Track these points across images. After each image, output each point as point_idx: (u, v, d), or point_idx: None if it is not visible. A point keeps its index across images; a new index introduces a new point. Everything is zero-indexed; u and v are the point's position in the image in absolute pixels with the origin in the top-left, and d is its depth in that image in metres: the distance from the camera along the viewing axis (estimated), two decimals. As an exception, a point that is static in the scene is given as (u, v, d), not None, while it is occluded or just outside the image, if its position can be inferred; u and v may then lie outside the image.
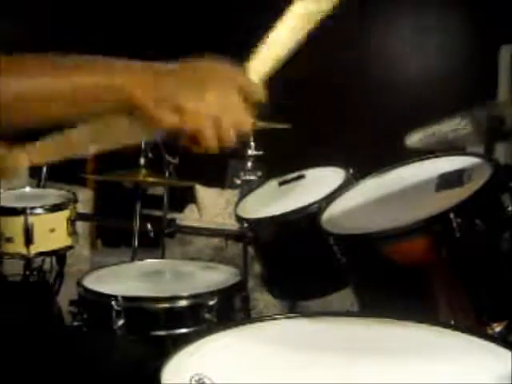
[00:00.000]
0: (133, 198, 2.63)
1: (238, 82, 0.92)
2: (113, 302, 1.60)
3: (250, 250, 2.17)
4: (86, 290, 1.71)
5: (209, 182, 4.19)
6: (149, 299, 1.66)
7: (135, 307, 1.63)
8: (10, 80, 0.83)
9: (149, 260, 2.09)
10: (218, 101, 0.89)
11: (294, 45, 1.01)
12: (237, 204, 2.03)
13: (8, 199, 2.58)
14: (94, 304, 1.69)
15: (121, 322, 1.59)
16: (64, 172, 3.36)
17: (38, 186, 3.00)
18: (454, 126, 1.72)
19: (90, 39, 4.49)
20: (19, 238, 2.46)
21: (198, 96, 0.88)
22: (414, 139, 1.81)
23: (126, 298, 1.62)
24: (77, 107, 0.88)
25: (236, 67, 0.95)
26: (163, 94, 0.87)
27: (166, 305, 1.62)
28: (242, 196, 2.19)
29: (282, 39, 0.99)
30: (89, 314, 1.69)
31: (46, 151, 0.99)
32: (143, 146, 2.59)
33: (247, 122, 0.92)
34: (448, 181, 1.43)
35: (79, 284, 1.75)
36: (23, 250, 2.48)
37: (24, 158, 0.97)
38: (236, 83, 0.92)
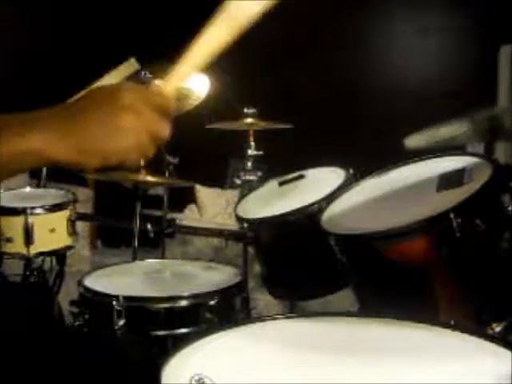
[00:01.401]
0: (133, 198, 2.62)
1: (145, 98, 0.90)
2: (113, 302, 1.60)
3: (250, 250, 2.17)
4: (87, 289, 1.71)
5: (209, 182, 4.19)
6: (149, 299, 1.66)
7: (136, 307, 1.63)
8: None
9: (149, 260, 2.09)
10: (133, 127, 0.88)
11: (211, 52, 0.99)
12: (237, 204, 2.03)
13: (8, 199, 2.58)
14: (95, 304, 1.69)
15: (121, 322, 1.59)
16: (64, 172, 3.36)
17: (38, 185, 3.00)
18: (454, 129, 1.72)
19: (89, 25, 4.50)
20: (19, 238, 2.46)
21: (114, 132, 0.87)
22: (413, 142, 1.81)
23: (126, 298, 1.62)
24: None
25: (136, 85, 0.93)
26: (80, 144, 0.86)
27: (167, 305, 1.62)
28: (242, 196, 2.19)
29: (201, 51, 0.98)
30: (90, 313, 1.69)
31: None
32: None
33: (164, 131, 0.92)
34: (448, 181, 1.43)
35: (80, 284, 1.75)
36: (23, 250, 2.48)
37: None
38: (142, 100, 0.90)
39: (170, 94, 0.94)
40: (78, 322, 1.69)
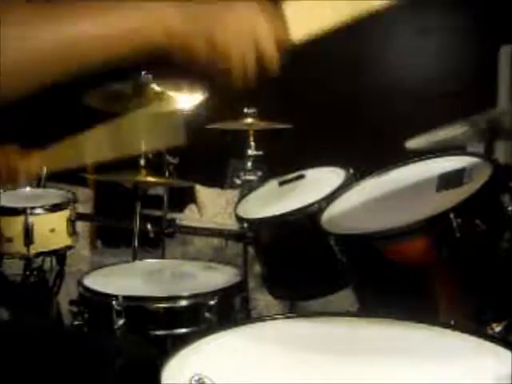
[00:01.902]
0: (133, 198, 2.62)
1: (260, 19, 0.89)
2: (113, 302, 1.60)
3: (250, 249, 2.17)
4: (87, 289, 1.71)
5: (209, 182, 4.20)
6: (149, 299, 1.66)
7: (135, 307, 1.63)
8: (17, 35, 0.72)
9: (149, 260, 2.09)
10: (244, 29, 0.87)
11: (340, 20, 0.96)
12: (237, 204, 2.03)
13: (8, 199, 2.58)
14: (95, 303, 1.69)
15: (121, 322, 1.59)
16: (64, 172, 3.36)
17: (38, 186, 3.00)
18: (454, 130, 1.73)
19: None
20: (19, 238, 2.46)
21: (226, 26, 0.85)
22: (414, 144, 1.81)
23: (126, 298, 1.62)
24: (105, 54, 0.79)
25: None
26: (194, 27, 0.83)
27: (167, 304, 1.63)
28: (242, 196, 2.19)
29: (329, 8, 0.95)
30: (89, 313, 1.69)
31: (56, 157, 0.96)
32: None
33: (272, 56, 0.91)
34: (448, 181, 1.43)
35: (80, 283, 1.75)
36: (23, 250, 2.48)
37: (36, 163, 0.95)
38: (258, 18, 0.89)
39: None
40: (77, 322, 1.69)
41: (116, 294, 1.63)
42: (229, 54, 0.87)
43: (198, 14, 0.84)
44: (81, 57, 0.77)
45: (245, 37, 0.87)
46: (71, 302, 1.72)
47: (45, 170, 2.96)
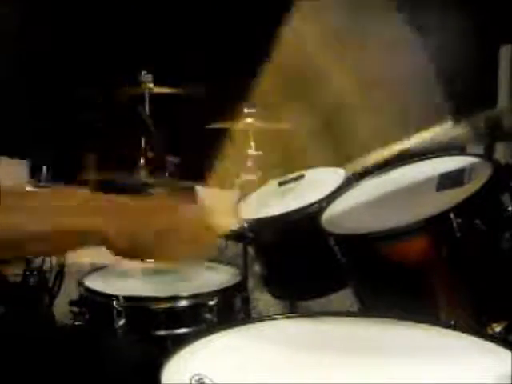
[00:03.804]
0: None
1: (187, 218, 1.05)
2: (114, 302, 1.60)
3: (250, 250, 2.17)
4: (88, 289, 1.71)
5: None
6: (149, 299, 1.66)
7: (136, 307, 1.63)
8: None
9: (149, 260, 2.09)
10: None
11: None
12: (237, 204, 2.03)
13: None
14: (95, 304, 1.69)
15: (122, 322, 1.59)
16: (64, 172, 3.36)
17: (38, 186, 3.00)
18: (454, 130, 1.73)
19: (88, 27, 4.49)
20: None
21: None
22: (413, 142, 1.81)
23: (126, 298, 1.62)
24: (53, 246, 1.02)
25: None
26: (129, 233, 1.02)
27: (167, 305, 1.62)
28: (242, 196, 2.19)
29: None
30: (90, 313, 1.69)
31: None
32: (143, 146, 2.59)
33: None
34: (448, 181, 1.43)
35: (80, 284, 1.75)
36: (23, 250, 2.47)
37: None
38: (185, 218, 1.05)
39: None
40: (78, 322, 1.69)
41: (117, 294, 1.63)
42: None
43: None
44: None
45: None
46: (72, 303, 1.72)
47: (45, 170, 2.98)
